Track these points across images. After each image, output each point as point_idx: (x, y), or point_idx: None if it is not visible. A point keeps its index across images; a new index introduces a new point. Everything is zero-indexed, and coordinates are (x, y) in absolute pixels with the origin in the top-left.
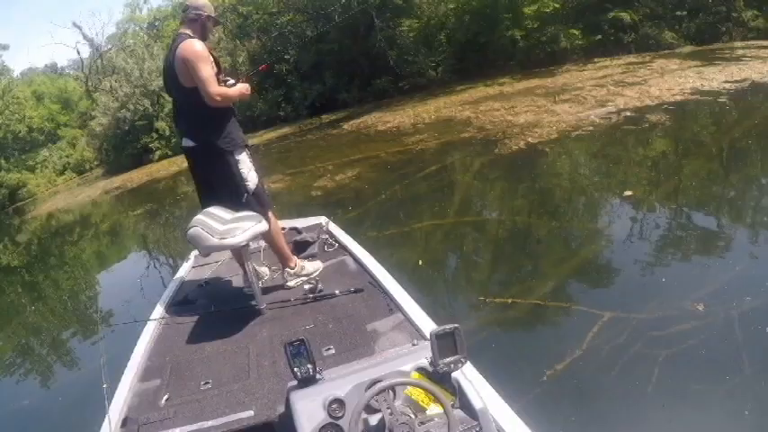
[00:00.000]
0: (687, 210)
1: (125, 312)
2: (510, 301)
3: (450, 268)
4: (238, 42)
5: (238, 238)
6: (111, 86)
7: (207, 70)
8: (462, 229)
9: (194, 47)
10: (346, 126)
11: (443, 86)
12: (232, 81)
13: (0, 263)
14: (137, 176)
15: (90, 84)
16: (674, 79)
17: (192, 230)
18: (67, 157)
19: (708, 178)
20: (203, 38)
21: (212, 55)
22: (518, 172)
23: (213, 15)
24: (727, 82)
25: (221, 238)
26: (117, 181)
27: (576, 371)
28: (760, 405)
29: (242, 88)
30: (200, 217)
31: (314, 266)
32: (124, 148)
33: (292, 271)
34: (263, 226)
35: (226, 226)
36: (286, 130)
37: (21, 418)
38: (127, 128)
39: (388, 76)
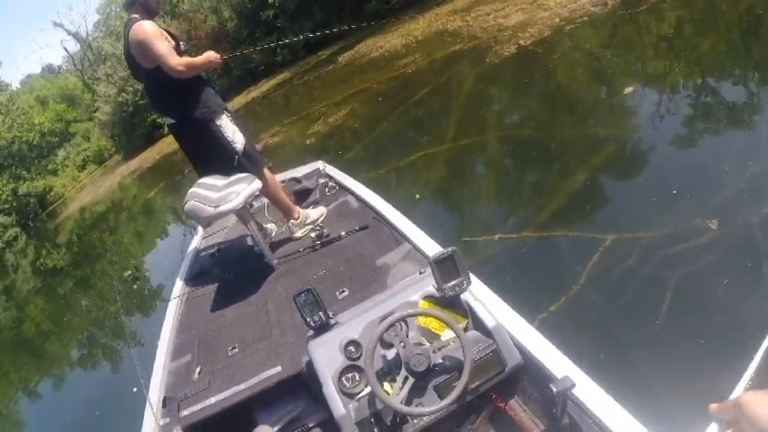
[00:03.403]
0: (693, 103)
1: (153, 295)
2: (497, 237)
3: (449, 201)
4: None
5: (234, 202)
6: (106, 74)
7: (162, 46)
8: (458, 155)
9: (143, 28)
10: (341, 59)
11: None
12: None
13: (47, 266)
14: (151, 155)
15: (86, 76)
16: None
17: (187, 204)
18: (85, 150)
19: (717, 60)
20: (152, 14)
21: (166, 30)
22: (509, 81)
23: None
24: None
25: (217, 206)
26: (134, 164)
27: (581, 301)
28: None
29: (209, 56)
30: (193, 189)
31: (318, 212)
32: (134, 129)
33: (297, 221)
34: (256, 185)
35: (220, 193)
36: (285, 74)
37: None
38: (131, 109)
39: None
